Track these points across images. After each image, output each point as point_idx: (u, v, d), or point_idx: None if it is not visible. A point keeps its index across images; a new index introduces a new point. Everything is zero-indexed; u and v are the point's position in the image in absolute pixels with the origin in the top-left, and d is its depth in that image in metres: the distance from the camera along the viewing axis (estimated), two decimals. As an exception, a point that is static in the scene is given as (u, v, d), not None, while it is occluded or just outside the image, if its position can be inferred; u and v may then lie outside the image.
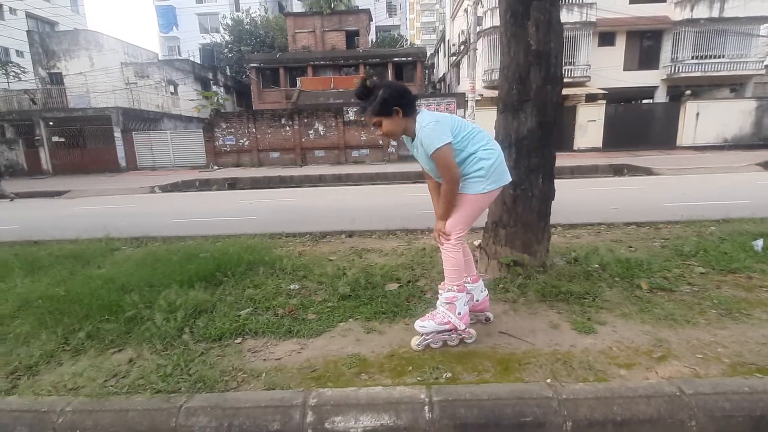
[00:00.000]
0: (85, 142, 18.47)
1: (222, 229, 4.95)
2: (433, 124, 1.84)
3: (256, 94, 25.29)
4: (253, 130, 19.12)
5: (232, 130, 19.15)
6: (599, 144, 18.24)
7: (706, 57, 18.98)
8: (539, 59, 2.62)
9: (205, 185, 15.76)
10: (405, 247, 3.86)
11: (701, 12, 18.18)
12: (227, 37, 30.61)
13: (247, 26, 30.53)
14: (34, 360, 2.01)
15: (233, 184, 15.89)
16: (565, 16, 18.33)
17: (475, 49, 15.94)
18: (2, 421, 1.61)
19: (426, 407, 1.58)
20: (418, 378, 1.79)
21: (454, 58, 24.72)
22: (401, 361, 1.94)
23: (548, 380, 1.73)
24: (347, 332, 2.23)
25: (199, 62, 27.79)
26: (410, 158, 18.47)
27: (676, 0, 18.47)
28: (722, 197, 6.72)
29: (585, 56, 18.99)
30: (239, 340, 2.18)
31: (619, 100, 19.33)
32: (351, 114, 18.82)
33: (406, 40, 34.12)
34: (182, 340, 2.13)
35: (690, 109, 17.98)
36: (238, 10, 32.84)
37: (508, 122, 2.76)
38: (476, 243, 3.29)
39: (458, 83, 24.77)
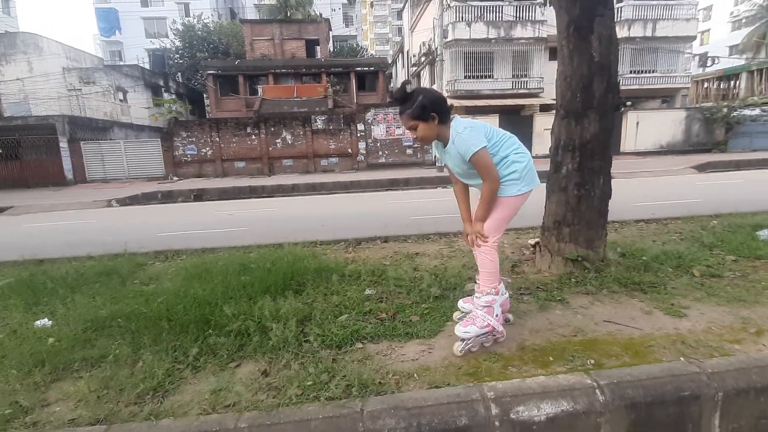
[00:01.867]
0: (24, 154, 16.74)
1: (221, 241, 4.72)
2: (469, 129, 1.94)
3: (213, 101, 24.33)
4: (217, 139, 18.38)
5: (193, 139, 18.29)
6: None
7: (642, 71, 21.07)
8: (601, 70, 2.87)
9: (169, 197, 14.91)
10: (448, 249, 3.96)
11: (637, 31, 20.21)
12: (177, 43, 29.27)
13: (200, 32, 29.41)
14: (157, 380, 1.86)
15: (199, 196, 15.18)
16: (520, 32, 19.62)
17: (442, 60, 16.53)
18: (172, 445, 1.50)
19: (597, 390, 1.69)
20: (567, 366, 1.89)
21: (415, 68, 25.40)
22: (535, 352, 2.04)
23: (681, 358, 1.90)
24: (463, 331, 2.28)
25: (148, 68, 26.27)
26: (380, 166, 18.71)
27: (616, 19, 20.33)
28: (677, 197, 7.53)
29: (538, 69, 20.34)
30: (360, 345, 2.16)
31: (569, 110, 20.85)
32: (319, 122, 18.70)
33: (367, 50, 34.55)
34: (308, 349, 2.07)
35: (631, 118, 19.81)
36: (188, 15, 31.53)
37: (571, 127, 2.98)
38: (531, 242, 3.47)
39: (419, 93, 25.42)
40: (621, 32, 20.17)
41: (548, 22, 19.49)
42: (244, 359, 2.06)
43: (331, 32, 29.07)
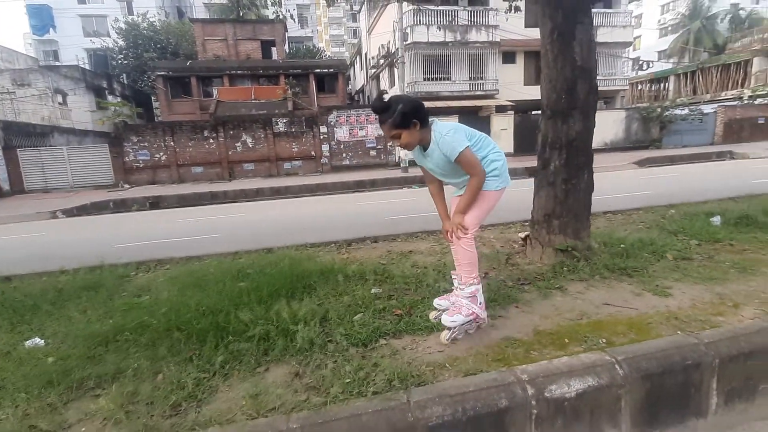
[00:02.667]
0: (-52, 163, 15.08)
1: (194, 249, 4.59)
2: (452, 132, 2.02)
3: (164, 104, 23.16)
4: (171, 143, 17.53)
5: (146, 143, 17.33)
6: (511, 149, 20.40)
7: (586, 75, 22.51)
8: (584, 73, 3.11)
9: (122, 206, 14.07)
10: (439, 246, 4.08)
11: (581, 37, 21.57)
12: (121, 42, 27.57)
13: (145, 31, 27.87)
14: (188, 391, 1.81)
15: (156, 203, 14.44)
16: (475, 36, 20.34)
17: (403, 63, 16.80)
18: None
19: (616, 366, 1.85)
20: (582, 346, 2.05)
21: (374, 71, 25.57)
22: (550, 336, 2.18)
23: (678, 332, 2.12)
24: (478, 321, 2.39)
25: (90, 69, 24.52)
26: (344, 168, 18.67)
27: (561, 26, 21.63)
28: (629, 189, 8.22)
29: (493, 72, 21.19)
30: (384, 341, 2.21)
31: (522, 111, 21.90)
32: (281, 125, 18.36)
33: (324, 51, 34.27)
34: (336, 348, 2.09)
35: (579, 118, 21.12)
36: (131, 13, 29.76)
37: (557, 127, 3.20)
38: (521, 235, 3.67)
39: (379, 95, 25.62)
40: (567, 37, 21.46)
41: (501, 27, 20.37)
42: (271, 363, 2.04)
43: (287, 33, 28.57)
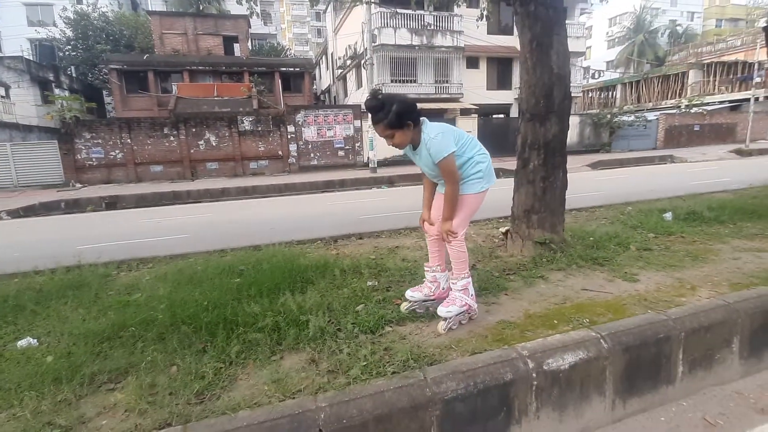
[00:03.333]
0: None
1: (164, 250, 4.46)
2: (441, 135, 2.08)
3: (119, 99, 21.97)
4: (128, 140, 16.68)
5: (100, 140, 16.39)
6: (475, 151, 21.12)
7: (544, 81, 23.69)
8: (560, 80, 3.39)
9: (75, 206, 13.29)
10: (424, 242, 4.24)
11: (539, 45, 22.68)
12: (69, 33, 25.83)
13: (96, 22, 26.29)
14: (208, 380, 1.85)
15: (113, 203, 13.76)
16: (441, 40, 20.87)
17: (372, 64, 16.96)
18: (261, 432, 1.55)
19: (601, 340, 2.09)
20: (570, 325, 2.28)
21: (341, 71, 25.56)
22: (540, 319, 2.40)
23: (649, 311, 2.40)
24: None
25: (35, 60, 22.79)
26: (312, 168, 18.55)
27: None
28: (587, 190, 8.83)
29: (458, 76, 21.83)
30: (390, 328, 2.34)
31: (485, 114, 22.71)
32: (247, 124, 17.96)
33: (290, 50, 33.75)
34: (347, 335, 2.20)
35: (537, 122, 22.20)
36: (80, 2, 27.94)
37: (536, 129, 3.46)
38: (502, 230, 3.91)
39: (346, 95, 25.69)
40: (526, 45, 22.50)
41: (465, 32, 21.03)
42: (285, 352, 2.11)
43: (250, 30, 27.91)
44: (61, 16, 25.88)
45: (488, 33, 22.26)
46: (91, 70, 26.39)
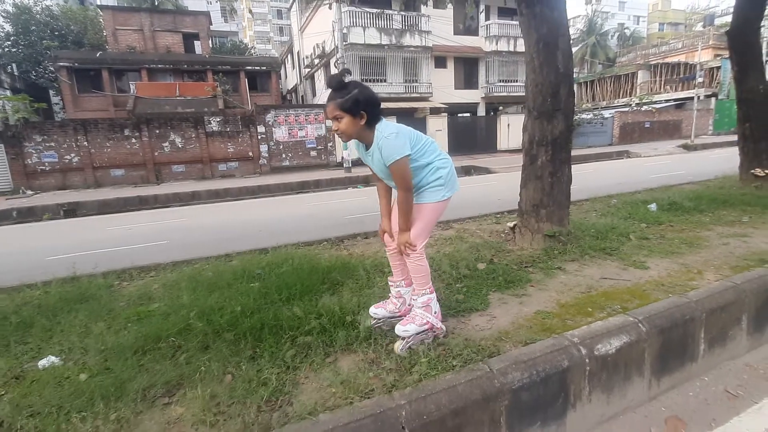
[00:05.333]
0: None
1: (143, 257, 4.31)
2: (394, 135, 1.88)
3: (70, 99, 20.55)
4: (85, 143, 15.67)
5: (52, 144, 15.29)
6: (446, 149, 21.49)
7: (508, 81, 24.51)
8: (566, 78, 3.54)
9: (29, 215, 12.38)
10: (433, 240, 4.28)
11: (503, 46, 23.44)
12: (8, 28, 23.85)
13: (39, 16, 24.44)
14: (272, 386, 1.80)
15: (72, 211, 12.93)
16: (409, 40, 21.06)
17: (344, 63, 16.85)
18: (347, 434, 1.52)
19: (640, 324, 2.21)
20: (604, 312, 2.40)
21: (309, 70, 25.20)
22: (574, 308, 2.51)
23: (670, 295, 2.57)
24: (506, 300, 2.65)
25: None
26: (284, 169, 18.20)
27: (485, 35, 23.30)
28: None
29: (426, 75, 22.12)
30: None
31: (453, 113, 23.18)
32: (214, 124, 17.34)
33: (254, 48, 32.81)
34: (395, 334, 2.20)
35: (503, 121, 22.95)
36: (19, -7, 25.83)
37: (543, 126, 3.59)
38: (510, 224, 4.03)
39: (314, 95, 25.36)
40: (491, 46, 23.20)
41: (433, 32, 21.35)
42: (338, 354, 2.08)
43: (211, 26, 26.92)
44: (-3, 9, 23.86)
45: (454, 33, 22.73)
46: (35, 67, 24.49)
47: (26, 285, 3.39)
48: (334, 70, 19.62)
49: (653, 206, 4.97)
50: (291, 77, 31.36)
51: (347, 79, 1.88)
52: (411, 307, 2.23)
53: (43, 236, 8.34)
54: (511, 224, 4.01)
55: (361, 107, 1.85)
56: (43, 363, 2.11)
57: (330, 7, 16.64)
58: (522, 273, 3.08)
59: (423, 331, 2.10)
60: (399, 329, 2.08)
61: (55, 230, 9.16)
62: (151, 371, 1.97)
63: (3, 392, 1.92)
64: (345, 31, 18.94)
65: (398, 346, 2.06)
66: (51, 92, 25.54)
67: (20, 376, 2.04)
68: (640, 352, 2.18)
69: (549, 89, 3.53)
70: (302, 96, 28.28)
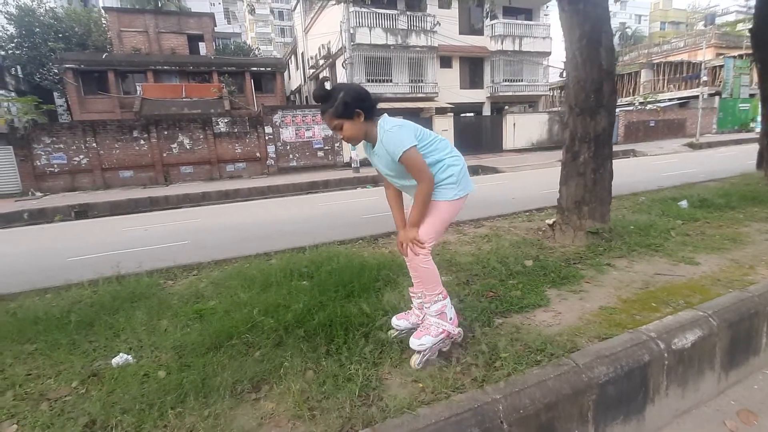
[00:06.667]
0: None
1: (166, 257, 4.26)
2: (397, 127, 1.81)
3: (75, 101, 20.54)
4: (94, 144, 15.64)
5: (62, 145, 15.26)
6: (452, 149, 21.51)
7: (513, 80, 24.53)
8: (608, 75, 3.54)
9: (41, 216, 12.37)
10: (469, 237, 4.29)
11: (508, 45, 23.46)
12: (12, 30, 23.82)
13: (43, 18, 24.41)
14: (361, 380, 1.79)
15: (83, 212, 12.92)
16: (415, 40, 21.07)
17: (351, 63, 16.86)
18: (453, 426, 1.52)
19: (710, 318, 2.21)
20: (670, 307, 2.40)
21: (313, 71, 25.21)
22: (637, 303, 2.51)
23: (730, 290, 2.57)
24: (565, 296, 2.65)
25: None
26: (291, 170, 18.19)
27: (490, 35, 23.32)
28: None
29: (432, 75, 22.13)
30: (498, 320, 2.36)
31: (459, 113, 23.19)
32: (222, 125, 17.32)
33: (259, 49, 32.81)
34: (468, 329, 2.19)
35: (509, 120, 22.95)
36: (22, -5, 25.81)
37: (586, 122, 3.60)
38: (549, 222, 4.03)
39: (319, 95, 25.32)
40: (496, 45, 23.22)
41: (438, 32, 21.36)
42: (409, 351, 2.08)
43: (215, 28, 26.92)
44: (1, 12, 23.83)
45: (460, 33, 22.75)
46: (39, 69, 24.46)
47: (72, 284, 3.39)
48: (341, 70, 19.64)
49: (684, 203, 4.97)
50: (295, 78, 31.38)
51: (329, 86, 1.81)
52: (424, 315, 2.05)
53: (59, 237, 8.34)
54: (550, 221, 4.01)
55: (353, 107, 1.78)
56: (116, 360, 2.11)
57: (342, 2, 16.52)
58: (572, 269, 3.08)
59: (440, 341, 1.96)
60: (414, 343, 1.92)
61: (71, 231, 9.16)
62: (230, 368, 1.96)
63: (83, 390, 1.91)
64: (352, 31, 18.96)
65: (415, 360, 1.92)
66: (55, 94, 25.53)
67: (97, 374, 2.03)
68: (711, 346, 2.18)
69: (592, 86, 3.53)
70: (306, 97, 28.28)
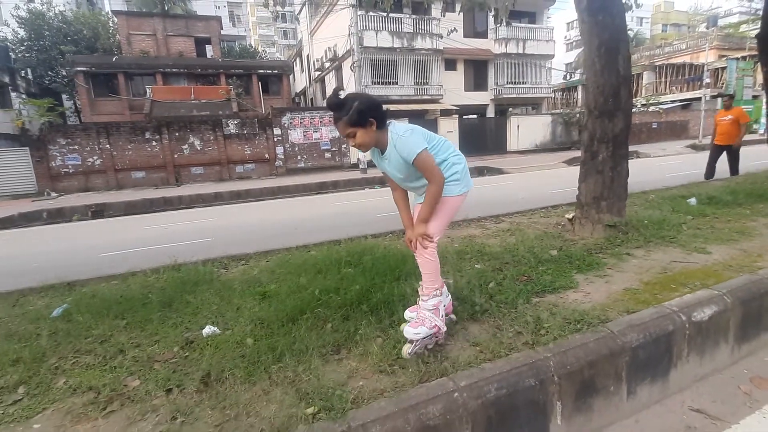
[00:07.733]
0: None
1: (196, 252, 4.47)
2: (409, 132, 1.95)
3: (86, 103, 20.88)
4: (107, 146, 15.99)
5: (76, 147, 15.60)
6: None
7: (517, 83, 24.89)
8: (625, 81, 3.85)
9: (59, 216, 12.69)
10: (492, 231, 4.58)
11: (512, 48, 23.83)
12: (22, 33, 24.20)
13: (53, 21, 24.78)
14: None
15: (100, 212, 13.25)
16: (420, 43, 21.42)
17: (360, 66, 17.19)
18: (507, 379, 1.82)
19: (725, 296, 2.51)
20: (688, 288, 2.69)
21: (319, 73, 25.55)
22: (658, 285, 2.79)
23: (740, 275, 2.87)
24: (592, 280, 2.94)
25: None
26: (299, 171, 18.51)
27: (494, 38, 23.68)
28: (571, 185, 9.56)
29: (437, 77, 22.48)
30: (536, 299, 2.65)
31: (463, 114, 23.54)
32: (232, 127, 17.65)
33: (265, 51, 33.18)
34: (511, 306, 2.49)
35: (513, 122, 23.30)
36: (32, 0, 26.18)
37: (605, 124, 3.90)
38: (568, 216, 4.33)
39: (324, 98, 25.68)
40: (500, 48, 23.57)
41: (443, 36, 21.70)
42: (465, 322, 2.38)
43: (221, 31, 27.29)
44: (12, 15, 24.20)
45: (464, 36, 23.10)
46: (49, 72, 24.83)
47: (131, 273, 3.69)
48: (348, 73, 20.00)
49: (693, 200, 5.27)
50: (300, 80, 31.73)
51: (343, 95, 1.93)
52: (449, 304, 2.25)
53: (84, 235, 8.64)
54: (569, 216, 4.31)
55: (367, 115, 1.89)
56: (206, 331, 2.40)
57: (352, 7, 16.83)
58: (595, 258, 3.38)
59: (430, 335, 2.08)
60: (409, 332, 2.03)
61: (93, 230, 9.46)
62: (307, 337, 2.26)
63: (185, 354, 2.21)
64: (360, 35, 19.31)
65: (407, 349, 2.04)
66: (63, 96, 25.88)
67: (192, 342, 2.33)
68: (726, 321, 2.48)
69: (610, 90, 3.83)
70: (311, 99, 28.63)
